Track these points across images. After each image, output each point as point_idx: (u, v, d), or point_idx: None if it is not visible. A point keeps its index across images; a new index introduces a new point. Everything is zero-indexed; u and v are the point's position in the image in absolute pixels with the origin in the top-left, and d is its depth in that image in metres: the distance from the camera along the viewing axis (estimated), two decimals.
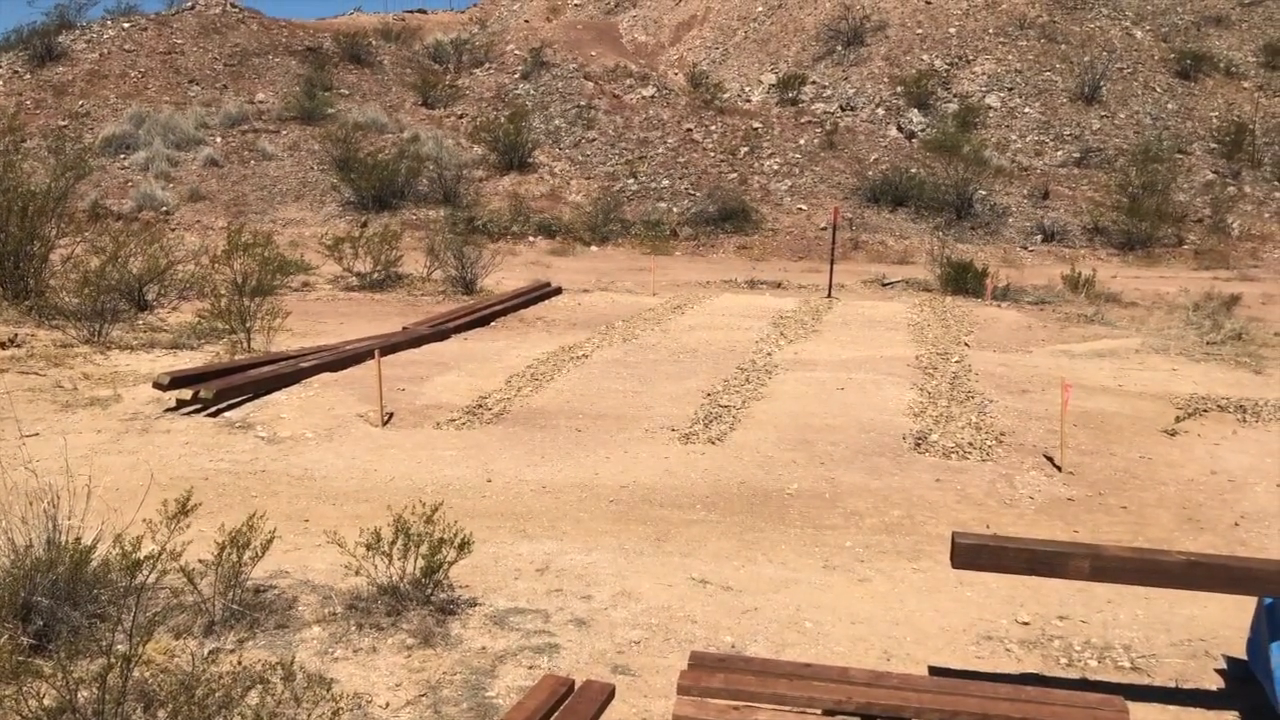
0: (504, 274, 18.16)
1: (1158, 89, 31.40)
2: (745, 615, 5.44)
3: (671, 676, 4.50)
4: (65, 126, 27.38)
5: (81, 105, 28.58)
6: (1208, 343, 13.10)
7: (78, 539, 4.85)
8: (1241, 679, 4.90)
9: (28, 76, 29.74)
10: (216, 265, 12.72)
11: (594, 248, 23.72)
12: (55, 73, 29.95)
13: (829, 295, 17.52)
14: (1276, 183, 27.73)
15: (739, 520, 6.84)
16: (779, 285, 19.11)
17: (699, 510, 7.01)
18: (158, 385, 9.10)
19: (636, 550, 6.30)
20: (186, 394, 9.10)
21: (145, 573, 4.24)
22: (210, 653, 4.77)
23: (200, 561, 5.07)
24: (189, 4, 33.93)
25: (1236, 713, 4.67)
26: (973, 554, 4.52)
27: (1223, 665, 5.06)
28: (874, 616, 5.48)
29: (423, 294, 16.96)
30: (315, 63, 32.33)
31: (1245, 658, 4.92)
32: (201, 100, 29.49)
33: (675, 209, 25.73)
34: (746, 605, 5.55)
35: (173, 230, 22.02)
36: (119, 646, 4.03)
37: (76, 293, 12.30)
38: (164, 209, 24.18)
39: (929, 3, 34.80)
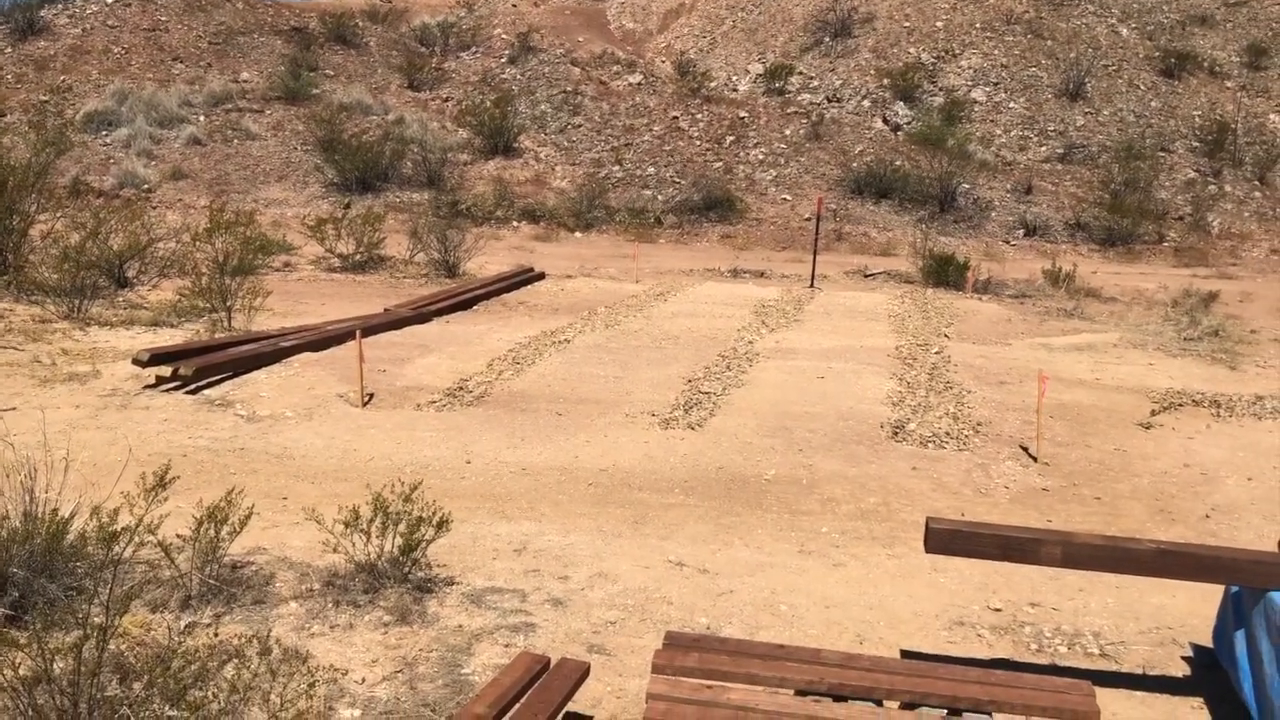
0: (487, 258, 18.14)
1: (1142, 86, 31.56)
2: (721, 597, 5.48)
3: (646, 656, 4.53)
4: (46, 102, 27.15)
5: (63, 81, 28.32)
6: (1185, 339, 13.22)
7: (54, 511, 4.84)
8: (1207, 666, 4.97)
9: (9, 50, 29.44)
10: (198, 243, 12.65)
11: (578, 234, 23.70)
12: (37, 47, 29.65)
13: (811, 285, 17.57)
14: (1257, 182, 27.94)
15: (716, 505, 6.89)
16: (762, 274, 19.15)
17: (677, 494, 7.05)
18: (137, 362, 9.07)
19: (614, 532, 6.33)
20: (166, 371, 9.08)
21: (122, 545, 4.24)
22: (187, 626, 4.78)
23: (178, 536, 5.08)
24: None
25: (1201, 699, 4.74)
26: (947, 539, 4.56)
27: (1189, 653, 5.14)
28: (848, 601, 5.53)
29: (405, 277, 16.93)
30: (301, 43, 32.13)
31: (1211, 646, 4.99)
32: (185, 78, 29.26)
33: (660, 196, 25.73)
34: (722, 588, 5.59)
35: (154, 208, 21.88)
36: (95, 618, 4.04)
37: (56, 268, 12.22)
38: (145, 187, 24.01)
39: None
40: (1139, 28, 34.37)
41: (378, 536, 5.25)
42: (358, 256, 17.39)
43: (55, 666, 3.82)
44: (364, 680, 4.47)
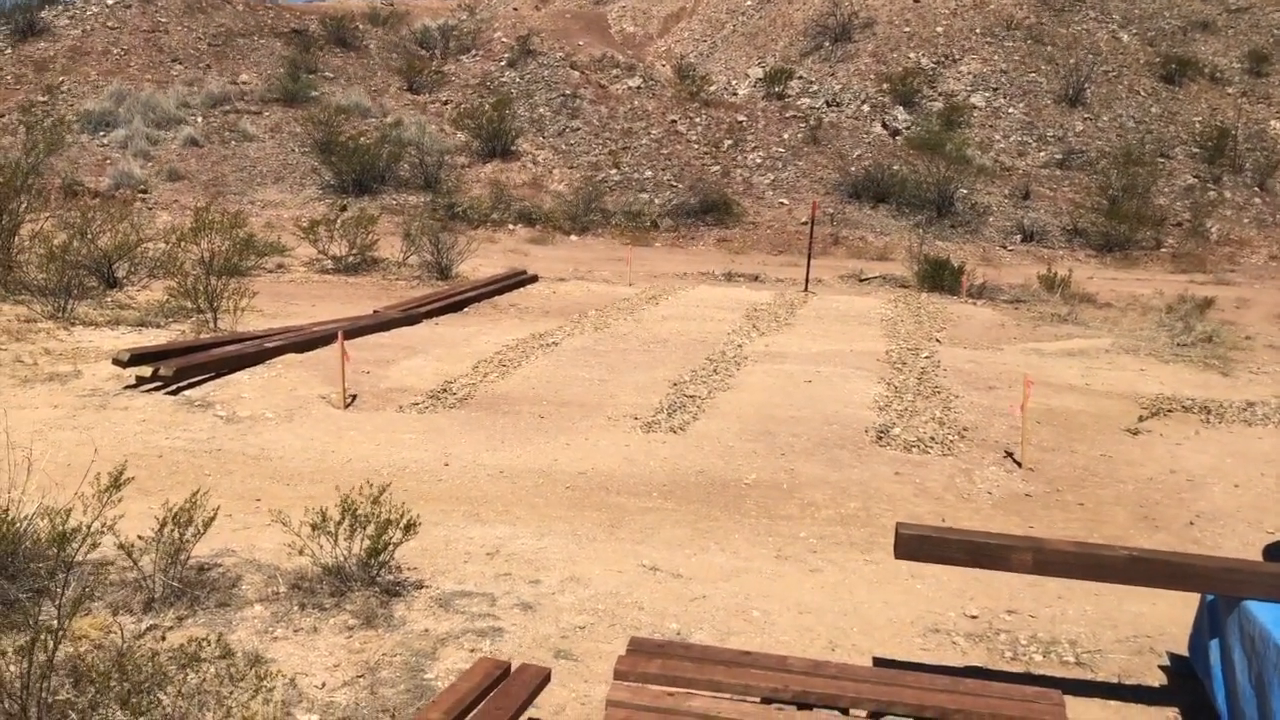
0: (481, 260, 18.09)
1: (1142, 92, 31.49)
2: (693, 603, 5.41)
3: (613, 662, 4.46)
4: (44, 102, 27.13)
5: (61, 81, 28.31)
6: (1178, 344, 13.13)
7: (4, 510, 4.78)
8: (1184, 676, 4.90)
9: (9, 51, 29.47)
10: (183, 244, 12.59)
11: (574, 237, 23.65)
12: (37, 48, 29.68)
13: (805, 289, 17.51)
14: (1257, 189, 27.84)
15: (694, 509, 6.81)
16: (756, 278, 19.09)
17: (655, 498, 6.98)
18: (117, 362, 9.01)
19: (589, 536, 6.26)
20: (146, 371, 9.02)
21: (75, 545, 4.18)
22: (147, 629, 4.71)
23: (140, 538, 5.01)
24: None
25: (1176, 709, 4.67)
26: (916, 544, 4.49)
27: (1166, 662, 5.06)
28: (822, 607, 5.45)
29: (397, 279, 16.88)
30: (300, 45, 32.13)
31: (1187, 654, 4.92)
32: (184, 80, 29.26)
33: (657, 200, 25.68)
34: (695, 593, 5.52)
35: (149, 209, 21.85)
36: (50, 621, 3.97)
37: (43, 268, 12.18)
38: (141, 187, 23.98)
39: (917, 1, 34.80)
40: (1140, 34, 34.31)
41: (346, 539, 5.19)
42: (350, 258, 17.34)
43: (10, 670, 3.76)
44: (324, 685, 4.40)
